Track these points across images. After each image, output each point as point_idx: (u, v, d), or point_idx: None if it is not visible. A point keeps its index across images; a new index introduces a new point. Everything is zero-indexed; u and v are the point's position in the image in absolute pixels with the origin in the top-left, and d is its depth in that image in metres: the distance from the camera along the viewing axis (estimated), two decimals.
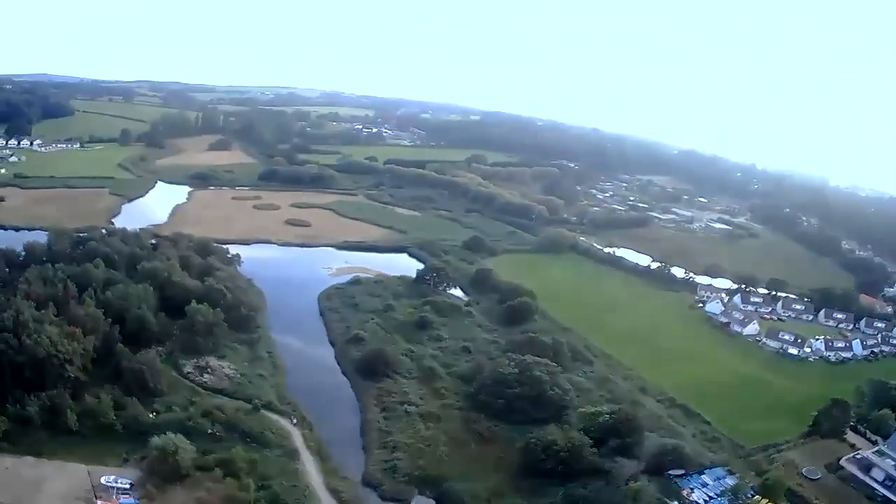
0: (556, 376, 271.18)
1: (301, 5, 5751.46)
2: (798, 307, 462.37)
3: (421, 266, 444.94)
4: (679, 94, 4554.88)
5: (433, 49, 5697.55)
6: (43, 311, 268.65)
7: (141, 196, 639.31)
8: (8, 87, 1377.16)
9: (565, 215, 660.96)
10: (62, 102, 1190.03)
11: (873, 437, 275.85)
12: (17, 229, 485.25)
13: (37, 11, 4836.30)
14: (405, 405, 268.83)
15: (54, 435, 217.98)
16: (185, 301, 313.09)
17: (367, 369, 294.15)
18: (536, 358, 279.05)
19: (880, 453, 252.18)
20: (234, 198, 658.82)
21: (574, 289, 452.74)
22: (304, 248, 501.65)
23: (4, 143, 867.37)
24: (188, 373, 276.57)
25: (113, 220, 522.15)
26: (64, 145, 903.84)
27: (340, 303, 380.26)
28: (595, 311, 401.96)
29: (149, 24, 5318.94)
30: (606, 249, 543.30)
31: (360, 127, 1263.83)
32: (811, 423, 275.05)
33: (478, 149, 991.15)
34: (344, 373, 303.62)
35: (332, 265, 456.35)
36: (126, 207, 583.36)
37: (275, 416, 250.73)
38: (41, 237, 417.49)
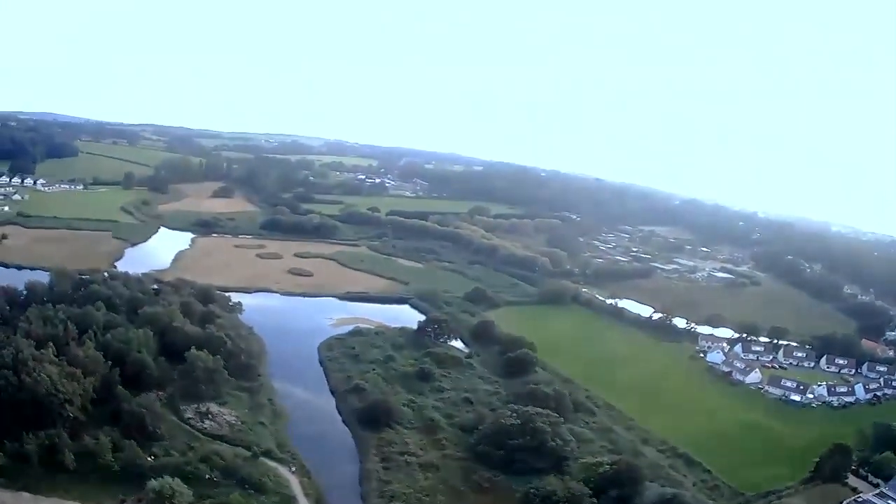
0: (557, 427, 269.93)
1: (304, 49, 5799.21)
2: (799, 354, 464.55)
3: (422, 317, 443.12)
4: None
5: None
6: (43, 351, 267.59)
7: (144, 241, 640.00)
8: (12, 124, 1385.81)
9: (568, 267, 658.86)
10: (67, 142, 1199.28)
11: (875, 481, 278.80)
12: (19, 268, 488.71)
13: (42, 49, 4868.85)
14: (405, 455, 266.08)
15: (52, 473, 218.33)
16: (185, 347, 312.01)
17: (368, 419, 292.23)
18: (538, 409, 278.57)
19: (882, 495, 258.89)
20: (236, 245, 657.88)
21: (576, 340, 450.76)
22: (306, 298, 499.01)
23: (8, 180, 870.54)
24: (188, 418, 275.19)
25: (115, 264, 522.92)
26: (67, 186, 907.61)
27: (341, 353, 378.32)
28: (597, 363, 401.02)
29: (154, 67, 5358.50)
30: (609, 301, 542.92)
31: (364, 177, 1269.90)
32: (813, 468, 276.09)
33: (480, 200, 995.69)
34: (344, 422, 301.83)
35: (334, 315, 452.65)
36: (129, 252, 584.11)
37: (273, 464, 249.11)
38: (43, 277, 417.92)
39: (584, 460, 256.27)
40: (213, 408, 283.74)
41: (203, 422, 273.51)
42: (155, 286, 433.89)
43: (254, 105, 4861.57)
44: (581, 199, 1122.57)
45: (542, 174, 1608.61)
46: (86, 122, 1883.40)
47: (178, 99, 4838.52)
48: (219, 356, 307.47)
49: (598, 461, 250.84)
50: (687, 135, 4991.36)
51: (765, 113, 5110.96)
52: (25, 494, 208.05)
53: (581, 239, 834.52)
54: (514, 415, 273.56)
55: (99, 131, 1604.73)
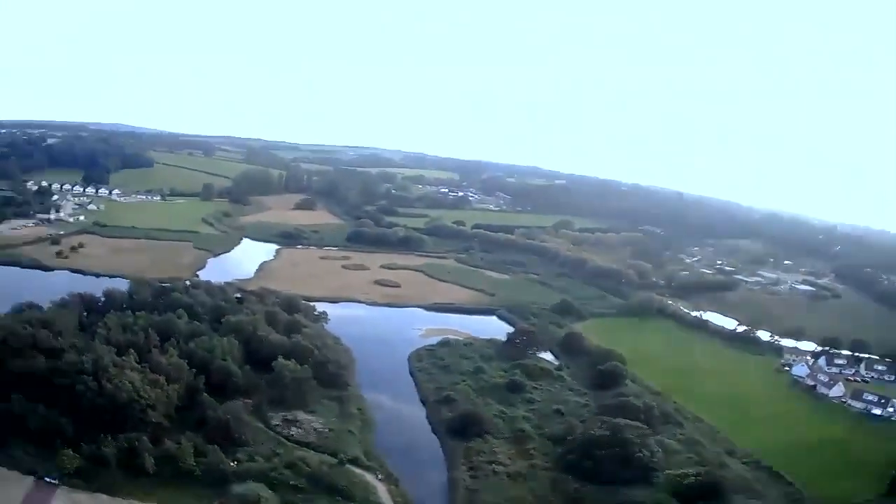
0: (645, 438, 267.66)
1: (383, 60, 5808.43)
2: (880, 368, 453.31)
3: (510, 329, 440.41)
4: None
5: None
6: (124, 358, 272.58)
7: (227, 251, 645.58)
8: (84, 134, 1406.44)
9: (654, 279, 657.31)
10: (140, 153, 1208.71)
11: None
12: (96, 276, 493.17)
13: (112, 61, 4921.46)
14: (493, 465, 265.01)
15: (131, 476, 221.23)
16: (270, 356, 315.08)
17: (459, 429, 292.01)
18: (628, 421, 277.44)
19: None
20: (321, 257, 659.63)
21: (662, 353, 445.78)
22: (393, 309, 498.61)
23: (82, 190, 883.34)
24: (275, 425, 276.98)
25: (198, 274, 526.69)
26: (144, 196, 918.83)
27: (431, 363, 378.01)
28: (683, 374, 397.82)
29: (227, 79, 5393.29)
30: (693, 313, 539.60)
31: (446, 190, 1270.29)
32: (889, 481, 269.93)
33: (564, 214, 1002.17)
34: (434, 432, 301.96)
35: (422, 326, 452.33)
36: (211, 262, 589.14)
37: (360, 472, 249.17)
38: (121, 285, 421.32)
39: (671, 472, 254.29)
40: (301, 416, 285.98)
41: (290, 429, 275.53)
42: (238, 295, 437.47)
43: (331, 117, 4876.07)
44: (662, 213, 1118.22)
45: (623, 188, 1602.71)
46: (159, 134, 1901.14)
47: (253, 111, 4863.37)
48: (307, 365, 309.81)
49: (684, 473, 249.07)
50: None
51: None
52: (103, 496, 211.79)
53: (666, 252, 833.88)
54: (604, 426, 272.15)
55: (173, 143, 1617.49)
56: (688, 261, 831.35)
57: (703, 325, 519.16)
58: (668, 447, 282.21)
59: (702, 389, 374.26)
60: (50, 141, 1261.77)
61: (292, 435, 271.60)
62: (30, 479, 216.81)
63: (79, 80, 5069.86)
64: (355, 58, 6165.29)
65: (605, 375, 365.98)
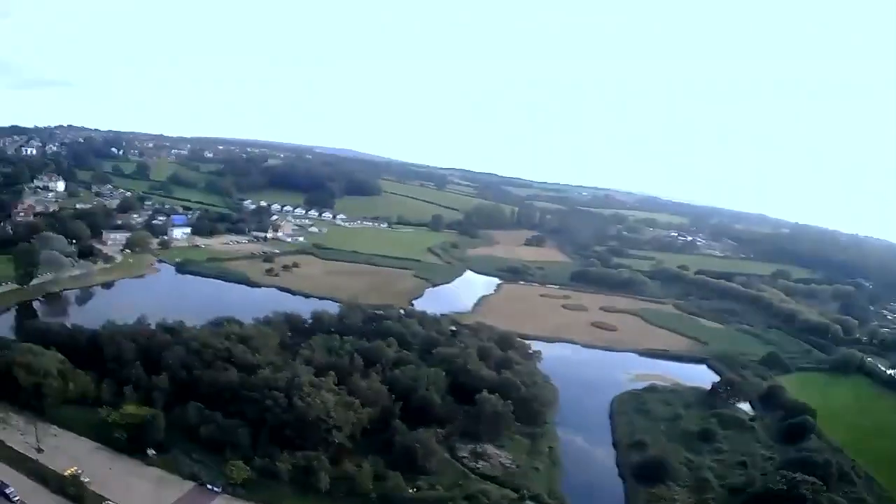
0: (818, 495, 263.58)
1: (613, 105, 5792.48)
2: None
3: (717, 378, 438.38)
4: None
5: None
6: (322, 379, 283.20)
7: (447, 282, 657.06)
8: (308, 157, 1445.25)
9: (857, 335, 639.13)
10: (368, 180, 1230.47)
11: None
12: (306, 296, 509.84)
13: (341, 85, 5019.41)
14: None
15: (301, 493, 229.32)
16: (476, 389, 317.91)
17: (644, 474, 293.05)
18: (805, 476, 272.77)
19: None
20: (542, 294, 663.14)
21: (852, 409, 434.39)
22: (606, 352, 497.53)
23: (304, 212, 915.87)
24: (462, 457, 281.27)
25: (413, 303, 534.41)
26: (370, 223, 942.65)
27: (632, 407, 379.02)
28: (867, 433, 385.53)
29: (461, 110, 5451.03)
30: (889, 371, 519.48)
31: (676, 234, 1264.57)
32: None
33: (784, 263, 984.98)
34: (620, 476, 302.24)
35: (632, 370, 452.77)
36: (429, 291, 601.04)
37: None
38: (331, 307, 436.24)
39: None
40: (490, 449, 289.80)
41: (477, 462, 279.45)
42: (453, 328, 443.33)
43: (562, 156, 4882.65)
44: (876, 265, 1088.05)
45: (843, 238, 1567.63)
46: (389, 162, 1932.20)
47: (488, 146, 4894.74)
48: (509, 402, 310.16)
49: None
50: None
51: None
52: None
53: (871, 307, 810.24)
54: (782, 480, 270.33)
55: (403, 172, 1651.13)
56: (889, 317, 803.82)
57: None
58: None
59: (880, 449, 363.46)
60: (271, 162, 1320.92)
61: (478, 468, 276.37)
62: (190, 485, 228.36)
63: (304, 102, 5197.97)
64: (593, 96, 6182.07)
65: (793, 429, 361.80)
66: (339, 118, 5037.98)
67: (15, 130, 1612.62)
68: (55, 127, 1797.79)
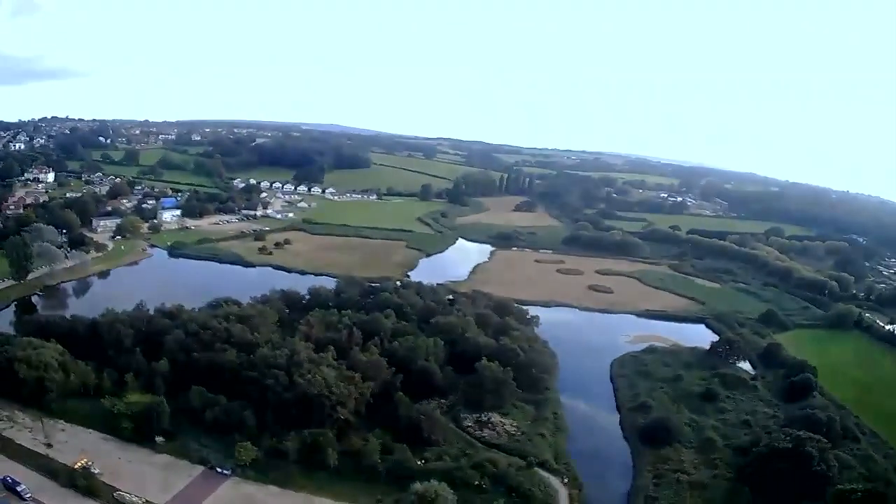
0: (824, 453, 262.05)
1: (604, 62, 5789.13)
2: None
3: (716, 338, 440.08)
4: None
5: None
6: (322, 354, 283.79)
7: (440, 252, 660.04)
8: (296, 134, 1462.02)
9: (854, 291, 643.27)
10: (357, 154, 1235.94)
11: None
12: (301, 273, 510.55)
13: (326, 65, 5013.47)
14: (678, 473, 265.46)
15: (308, 470, 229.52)
16: (475, 357, 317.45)
17: (649, 437, 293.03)
18: (810, 434, 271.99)
19: None
20: (536, 260, 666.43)
21: (853, 365, 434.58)
22: (604, 315, 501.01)
23: (293, 188, 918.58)
24: (467, 426, 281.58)
25: (409, 274, 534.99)
26: (359, 196, 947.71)
27: (632, 370, 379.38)
28: (867, 389, 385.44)
29: (446, 80, 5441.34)
30: (887, 327, 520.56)
31: (665, 195, 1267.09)
32: None
33: (776, 221, 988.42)
34: (625, 438, 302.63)
35: (630, 333, 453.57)
36: (424, 262, 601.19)
37: (546, 475, 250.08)
38: (328, 283, 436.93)
39: (841, 487, 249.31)
40: (495, 417, 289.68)
41: (482, 430, 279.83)
42: (450, 297, 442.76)
43: (552, 121, 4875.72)
44: (869, 222, 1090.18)
45: (833, 195, 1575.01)
46: (377, 135, 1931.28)
47: (474, 114, 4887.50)
48: (509, 368, 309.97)
49: (853, 488, 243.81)
50: None
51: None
52: (273, 488, 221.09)
53: (867, 263, 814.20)
54: (787, 438, 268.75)
55: (391, 144, 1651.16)
56: (885, 272, 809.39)
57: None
58: (844, 462, 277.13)
59: (883, 405, 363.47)
60: (259, 140, 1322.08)
61: (484, 436, 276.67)
62: (199, 469, 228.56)
63: (291, 80, 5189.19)
64: (578, 62, 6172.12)
65: (795, 387, 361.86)
66: (326, 95, 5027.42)
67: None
68: (39, 120, 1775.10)
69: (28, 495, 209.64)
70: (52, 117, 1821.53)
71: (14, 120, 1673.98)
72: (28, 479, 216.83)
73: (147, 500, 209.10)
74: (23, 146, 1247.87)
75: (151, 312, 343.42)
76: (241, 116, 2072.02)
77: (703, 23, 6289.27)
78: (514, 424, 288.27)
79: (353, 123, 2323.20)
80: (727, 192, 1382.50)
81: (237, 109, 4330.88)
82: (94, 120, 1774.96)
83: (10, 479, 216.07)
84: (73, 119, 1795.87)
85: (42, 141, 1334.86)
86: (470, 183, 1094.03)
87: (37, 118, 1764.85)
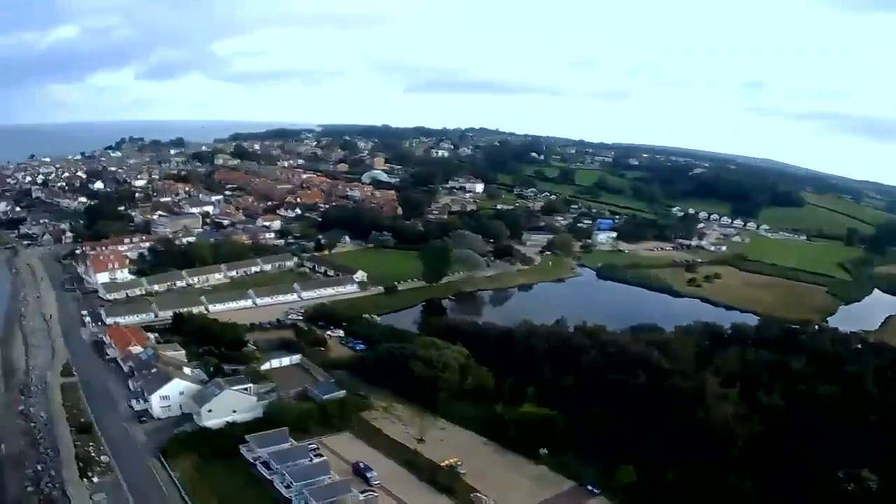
0: None
1: None
2: None
3: None
4: None
5: None
6: (727, 389, 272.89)
7: (857, 300, 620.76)
8: (731, 167, 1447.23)
9: None
10: (791, 192, 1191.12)
11: None
12: (727, 308, 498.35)
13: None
14: None
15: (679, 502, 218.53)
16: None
17: None
18: None
19: None
20: None
21: None
22: None
23: (730, 221, 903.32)
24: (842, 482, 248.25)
25: (827, 320, 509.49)
26: (790, 235, 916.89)
27: None
28: None
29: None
30: None
31: None
32: None
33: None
34: None
35: None
36: (842, 309, 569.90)
37: None
38: (749, 319, 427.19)
39: None
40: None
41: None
42: (858, 345, 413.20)
43: None
44: None
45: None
46: (807, 174, 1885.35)
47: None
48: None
49: None
50: None
51: None
52: None
53: None
54: None
55: (820, 184, 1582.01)
56: None
57: None
58: None
59: None
60: (696, 171, 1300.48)
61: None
62: (570, 484, 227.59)
63: (726, 111, 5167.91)
64: None
65: None
66: (760, 129, 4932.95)
67: (421, 132, 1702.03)
68: (465, 129, 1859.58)
69: (377, 482, 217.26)
70: (480, 128, 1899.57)
71: (437, 127, 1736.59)
72: (384, 469, 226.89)
73: None
74: (447, 153, 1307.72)
75: (570, 330, 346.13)
76: (675, 144, 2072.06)
77: None
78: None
79: (787, 160, 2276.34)
80: None
81: (669, 137, 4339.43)
82: (527, 135, 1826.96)
83: (363, 464, 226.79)
84: (503, 132, 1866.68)
85: (468, 150, 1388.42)
86: (891, 232, 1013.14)
87: (462, 127, 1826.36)
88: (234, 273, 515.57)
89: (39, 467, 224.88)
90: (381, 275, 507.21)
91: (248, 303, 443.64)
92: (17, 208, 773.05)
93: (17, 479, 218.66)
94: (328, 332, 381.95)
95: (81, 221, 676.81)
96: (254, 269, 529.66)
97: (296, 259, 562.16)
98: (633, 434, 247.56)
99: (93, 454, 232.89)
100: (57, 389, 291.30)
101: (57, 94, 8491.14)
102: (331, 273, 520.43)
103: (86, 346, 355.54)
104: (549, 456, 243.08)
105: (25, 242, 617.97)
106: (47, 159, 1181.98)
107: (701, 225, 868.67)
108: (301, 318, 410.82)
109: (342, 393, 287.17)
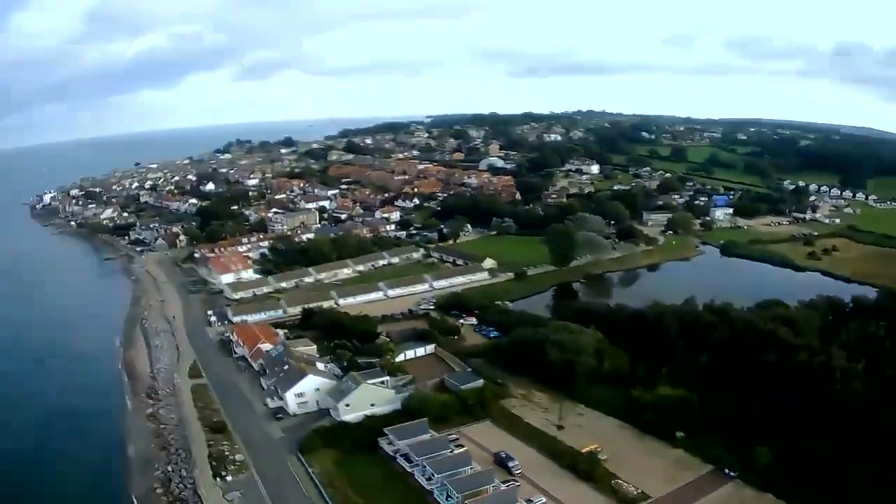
0: None
1: None
2: None
3: None
4: None
5: None
6: (854, 364, 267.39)
7: None
8: (836, 137, 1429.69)
9: None
10: None
11: None
12: (846, 280, 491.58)
13: None
14: None
15: (814, 487, 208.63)
16: None
17: None
18: None
19: None
20: None
21: None
22: None
23: (839, 193, 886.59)
24: None
25: None
26: None
27: None
28: None
29: None
30: None
31: None
32: None
33: None
34: None
35: None
36: None
37: None
38: (869, 292, 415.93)
39: None
40: None
41: None
42: None
43: None
44: None
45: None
46: None
47: None
48: None
49: None
50: None
51: None
52: (769, 496, 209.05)
53: None
54: None
55: None
56: None
57: None
58: None
59: None
60: (802, 143, 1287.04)
61: None
62: (708, 468, 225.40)
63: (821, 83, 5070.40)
64: None
65: None
66: (854, 98, 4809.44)
67: (529, 117, 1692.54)
68: (574, 112, 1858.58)
69: (518, 472, 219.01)
70: (588, 111, 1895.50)
71: (544, 112, 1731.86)
72: (525, 457, 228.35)
73: (643, 492, 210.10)
74: (559, 137, 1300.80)
75: (700, 308, 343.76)
76: (776, 116, 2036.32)
77: None
78: None
79: (887, 127, 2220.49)
80: None
81: (772, 109, 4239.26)
82: (636, 115, 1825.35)
83: (504, 454, 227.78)
84: (610, 113, 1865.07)
85: (580, 133, 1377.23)
86: None
87: (570, 111, 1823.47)
88: (361, 267, 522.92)
89: (170, 468, 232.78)
90: (508, 261, 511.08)
91: (380, 295, 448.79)
92: (125, 213, 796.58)
93: (144, 481, 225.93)
94: (461, 321, 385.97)
95: (194, 223, 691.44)
96: (381, 262, 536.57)
97: (422, 250, 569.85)
98: (766, 413, 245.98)
99: (227, 453, 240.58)
100: (187, 390, 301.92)
101: (152, 101, 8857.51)
102: (459, 262, 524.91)
103: (212, 345, 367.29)
104: (685, 439, 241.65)
105: (138, 248, 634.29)
106: (154, 165, 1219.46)
107: (812, 197, 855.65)
108: (433, 307, 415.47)
109: (480, 382, 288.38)
